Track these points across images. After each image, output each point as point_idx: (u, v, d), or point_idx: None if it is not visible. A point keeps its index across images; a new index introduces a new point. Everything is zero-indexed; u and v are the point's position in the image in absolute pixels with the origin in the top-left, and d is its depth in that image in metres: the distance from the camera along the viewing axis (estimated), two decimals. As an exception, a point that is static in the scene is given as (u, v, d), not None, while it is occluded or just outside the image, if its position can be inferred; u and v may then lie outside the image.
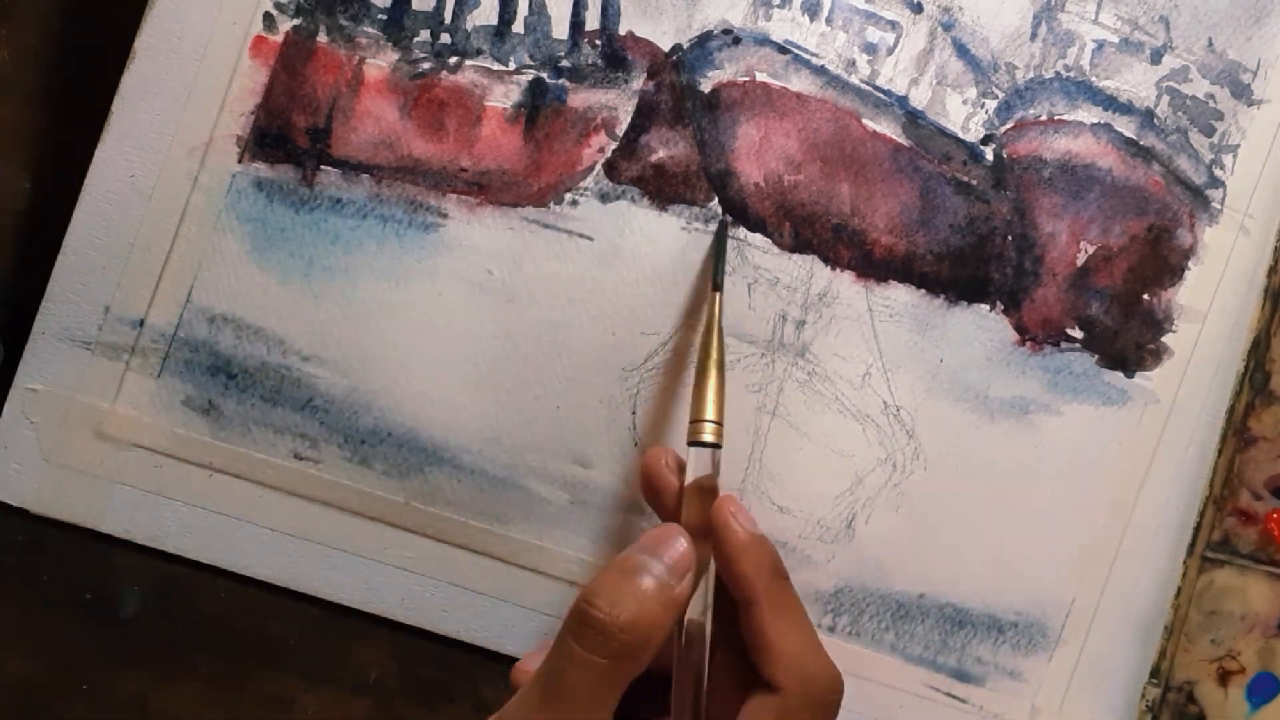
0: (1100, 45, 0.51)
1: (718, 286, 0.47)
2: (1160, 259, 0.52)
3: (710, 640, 0.41)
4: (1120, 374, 0.52)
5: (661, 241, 0.49)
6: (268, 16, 0.46)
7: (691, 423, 0.44)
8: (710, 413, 0.44)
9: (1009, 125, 0.50)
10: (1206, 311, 0.52)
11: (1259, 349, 0.52)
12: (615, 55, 0.48)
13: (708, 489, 0.43)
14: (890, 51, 0.50)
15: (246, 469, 0.47)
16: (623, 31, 0.48)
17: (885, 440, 0.50)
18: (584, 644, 0.38)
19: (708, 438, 0.44)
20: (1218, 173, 0.52)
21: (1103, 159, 0.51)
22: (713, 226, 0.49)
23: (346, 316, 0.47)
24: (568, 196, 0.48)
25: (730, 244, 0.49)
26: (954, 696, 0.52)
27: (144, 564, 0.47)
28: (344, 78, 0.47)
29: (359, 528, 0.48)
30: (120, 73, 0.46)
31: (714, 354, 0.45)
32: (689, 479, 0.43)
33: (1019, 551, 0.51)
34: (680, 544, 0.41)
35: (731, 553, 0.41)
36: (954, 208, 0.50)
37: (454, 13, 0.47)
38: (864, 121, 0.50)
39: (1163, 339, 0.52)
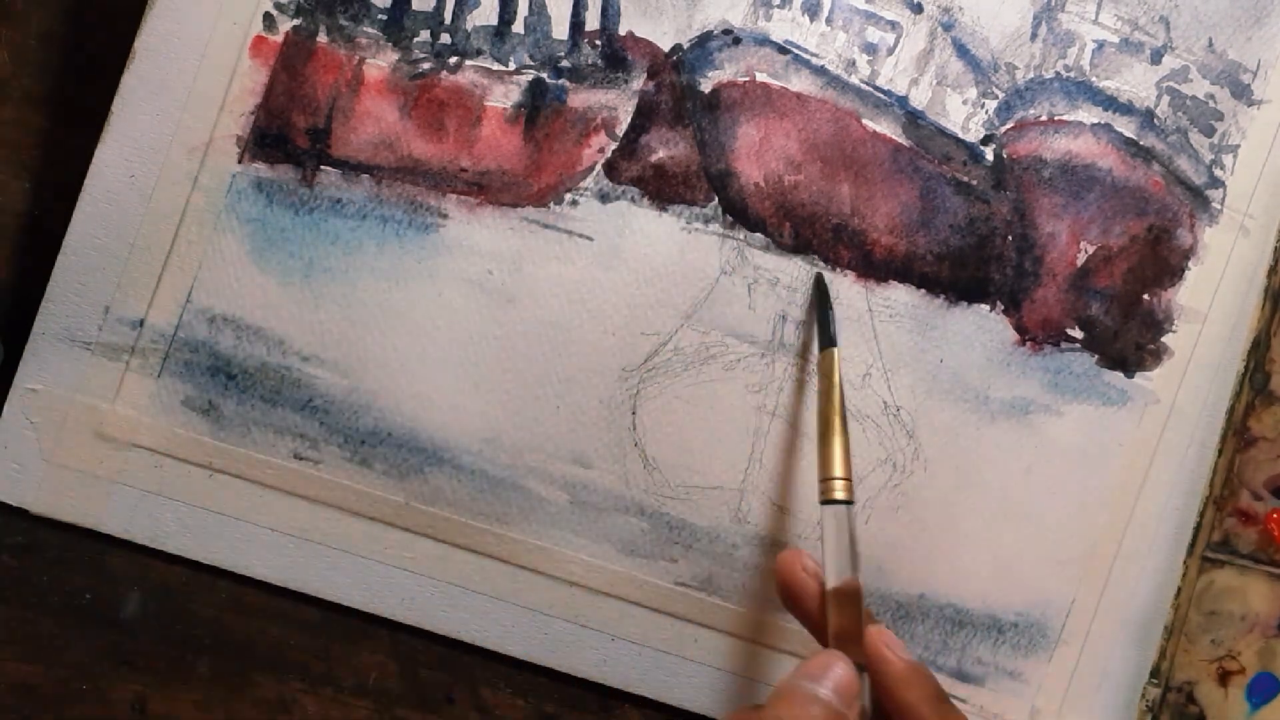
0: (1100, 45, 0.51)
1: (831, 343, 0.47)
2: (1160, 259, 0.52)
3: None
4: (1120, 374, 0.52)
5: (661, 241, 0.49)
6: (268, 16, 0.46)
7: (821, 481, 0.45)
8: (839, 469, 0.45)
9: (1009, 125, 0.50)
10: (1206, 312, 0.52)
11: (1259, 349, 0.52)
12: (615, 55, 0.48)
13: (850, 592, 0.44)
14: (890, 51, 0.50)
15: (246, 469, 0.47)
16: (623, 31, 0.48)
17: (885, 440, 0.50)
18: None
19: (839, 495, 0.45)
20: (1218, 173, 0.52)
21: (1103, 159, 0.51)
22: (713, 227, 0.49)
23: (346, 317, 0.47)
24: (568, 197, 0.48)
25: (730, 244, 0.49)
26: (954, 697, 0.52)
27: (144, 565, 0.47)
28: (344, 78, 0.47)
29: (359, 528, 0.48)
30: (120, 73, 0.46)
31: (838, 411, 0.46)
32: (826, 541, 0.44)
33: (1019, 552, 0.51)
34: (844, 670, 0.41)
35: (892, 683, 0.42)
36: (954, 208, 0.50)
37: (454, 13, 0.47)
38: (864, 122, 0.50)
39: (1163, 339, 0.52)
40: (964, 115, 0.50)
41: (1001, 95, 0.50)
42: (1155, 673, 0.52)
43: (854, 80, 0.49)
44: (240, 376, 0.47)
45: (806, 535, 0.50)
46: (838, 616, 0.43)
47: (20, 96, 0.47)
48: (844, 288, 0.50)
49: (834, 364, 0.47)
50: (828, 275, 0.49)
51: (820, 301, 0.49)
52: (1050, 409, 0.51)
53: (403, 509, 0.48)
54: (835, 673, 0.41)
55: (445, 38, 0.47)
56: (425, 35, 0.47)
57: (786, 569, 0.45)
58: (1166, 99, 0.51)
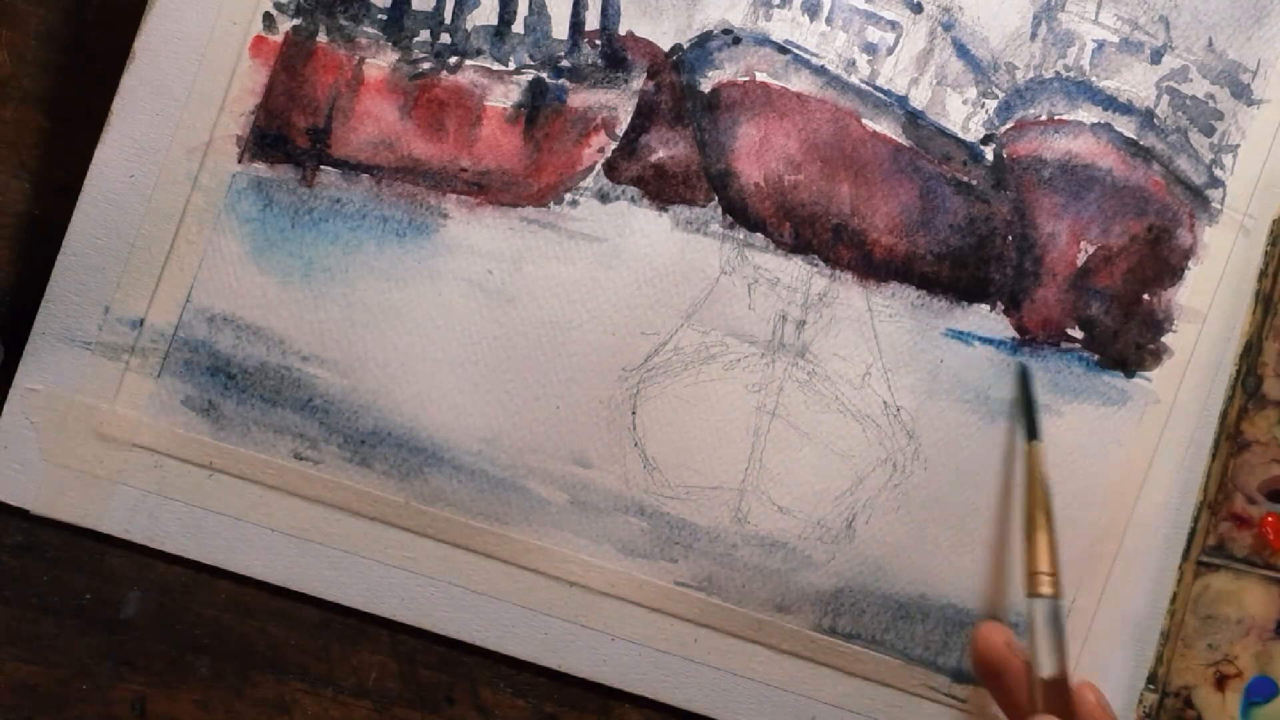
0: (1100, 45, 0.51)
1: (1035, 436, 0.48)
2: (1160, 259, 0.52)
3: None
4: (1120, 374, 0.52)
5: (661, 241, 0.49)
6: (267, 16, 0.46)
7: (1029, 575, 0.46)
8: (1045, 564, 0.46)
9: (1009, 125, 0.50)
10: (1206, 312, 0.52)
11: (1251, 353, 0.52)
12: (615, 55, 0.48)
13: (1061, 683, 0.44)
14: (890, 51, 0.50)
15: (246, 469, 0.47)
16: (623, 31, 0.48)
17: (885, 440, 0.50)
18: None
19: (1045, 590, 0.45)
20: (1218, 173, 0.52)
21: (1103, 159, 0.51)
22: (713, 227, 0.49)
23: (346, 317, 0.47)
24: (568, 196, 0.48)
25: (730, 244, 0.49)
26: (954, 697, 0.52)
27: (144, 565, 0.47)
28: (344, 78, 0.47)
29: (359, 528, 0.48)
30: (120, 73, 0.46)
31: (1042, 505, 0.47)
32: (1036, 632, 0.45)
33: (1020, 552, 0.51)
34: None
35: None
36: (954, 208, 0.50)
37: (454, 13, 0.47)
38: (864, 121, 0.50)
39: (1163, 339, 0.52)
40: (964, 115, 0.50)
41: (1001, 95, 0.50)
42: (1152, 678, 0.52)
43: (854, 80, 0.49)
44: (240, 376, 0.47)
45: (807, 535, 0.50)
46: (1049, 706, 0.43)
47: (20, 96, 0.47)
48: (844, 288, 0.50)
49: (1039, 459, 0.48)
50: (827, 274, 0.49)
51: (1025, 394, 0.50)
52: (1050, 409, 0.51)
53: (403, 509, 0.48)
54: None
55: (445, 38, 0.47)
56: (425, 35, 0.47)
57: (988, 644, 0.45)
58: (1166, 99, 0.51)
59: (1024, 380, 0.50)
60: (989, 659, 0.45)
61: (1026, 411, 0.49)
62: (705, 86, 0.49)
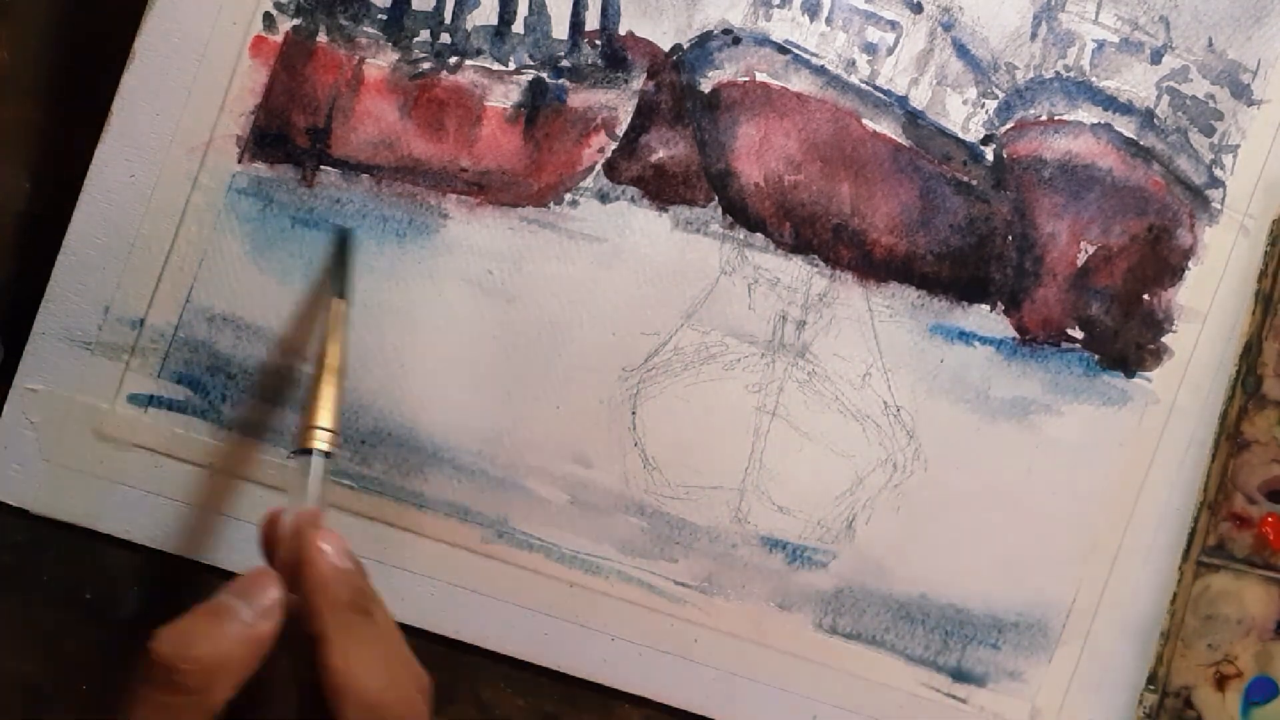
0: (1100, 45, 0.51)
1: (340, 294, 0.46)
2: (1160, 259, 0.52)
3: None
4: (1120, 374, 0.52)
5: (661, 241, 0.49)
6: (268, 16, 0.46)
7: (305, 429, 0.42)
8: (327, 420, 0.43)
9: (1009, 125, 0.50)
10: (1206, 312, 0.52)
11: (1251, 353, 0.52)
12: (615, 55, 0.48)
13: (311, 517, 0.41)
14: (890, 51, 0.50)
15: (246, 469, 0.47)
16: (623, 31, 0.48)
17: (885, 440, 0.50)
18: (154, 686, 0.36)
19: (321, 445, 0.42)
20: (1218, 173, 0.52)
21: (1103, 159, 0.51)
22: (713, 227, 0.49)
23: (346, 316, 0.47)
24: (568, 196, 0.48)
25: (730, 244, 0.49)
26: (954, 697, 0.52)
27: (144, 564, 0.47)
28: (344, 78, 0.47)
29: (359, 528, 0.48)
30: (120, 73, 0.46)
31: (335, 363, 0.44)
32: (297, 485, 0.42)
33: (1020, 552, 0.51)
34: (266, 585, 0.39)
35: (310, 585, 0.39)
36: (954, 208, 0.50)
37: (454, 13, 0.47)
38: (864, 121, 0.50)
39: (1163, 339, 0.52)
40: (964, 115, 0.50)
41: (1001, 95, 0.50)
42: (1152, 678, 0.52)
43: (854, 80, 0.49)
44: (240, 376, 0.47)
45: (807, 535, 0.50)
46: (292, 541, 0.40)
47: (20, 95, 0.47)
48: (844, 288, 0.50)
49: (340, 316, 0.45)
50: (828, 274, 0.49)
51: (340, 254, 0.47)
52: (1050, 409, 0.51)
53: (404, 509, 0.48)
54: (258, 586, 0.39)
55: (445, 37, 0.47)
56: (425, 35, 0.47)
57: (267, 521, 0.42)
58: (1166, 99, 0.51)
59: (343, 241, 0.47)
60: (265, 532, 0.42)
61: (335, 269, 0.46)
62: (705, 86, 0.49)
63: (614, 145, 0.48)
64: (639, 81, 0.48)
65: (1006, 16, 0.50)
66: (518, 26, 0.48)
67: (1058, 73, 0.51)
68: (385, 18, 0.47)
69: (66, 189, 0.46)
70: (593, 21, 0.48)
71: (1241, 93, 0.52)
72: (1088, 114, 0.51)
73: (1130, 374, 0.52)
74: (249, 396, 0.47)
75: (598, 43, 0.48)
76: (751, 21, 0.49)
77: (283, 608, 0.39)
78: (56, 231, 0.46)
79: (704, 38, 0.48)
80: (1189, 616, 0.52)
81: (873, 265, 0.50)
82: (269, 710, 0.40)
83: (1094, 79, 0.51)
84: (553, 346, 0.48)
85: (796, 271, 0.49)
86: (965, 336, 0.51)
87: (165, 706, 0.37)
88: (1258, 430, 0.51)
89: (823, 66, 0.49)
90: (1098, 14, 0.51)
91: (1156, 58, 0.51)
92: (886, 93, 0.50)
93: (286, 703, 0.40)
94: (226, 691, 0.37)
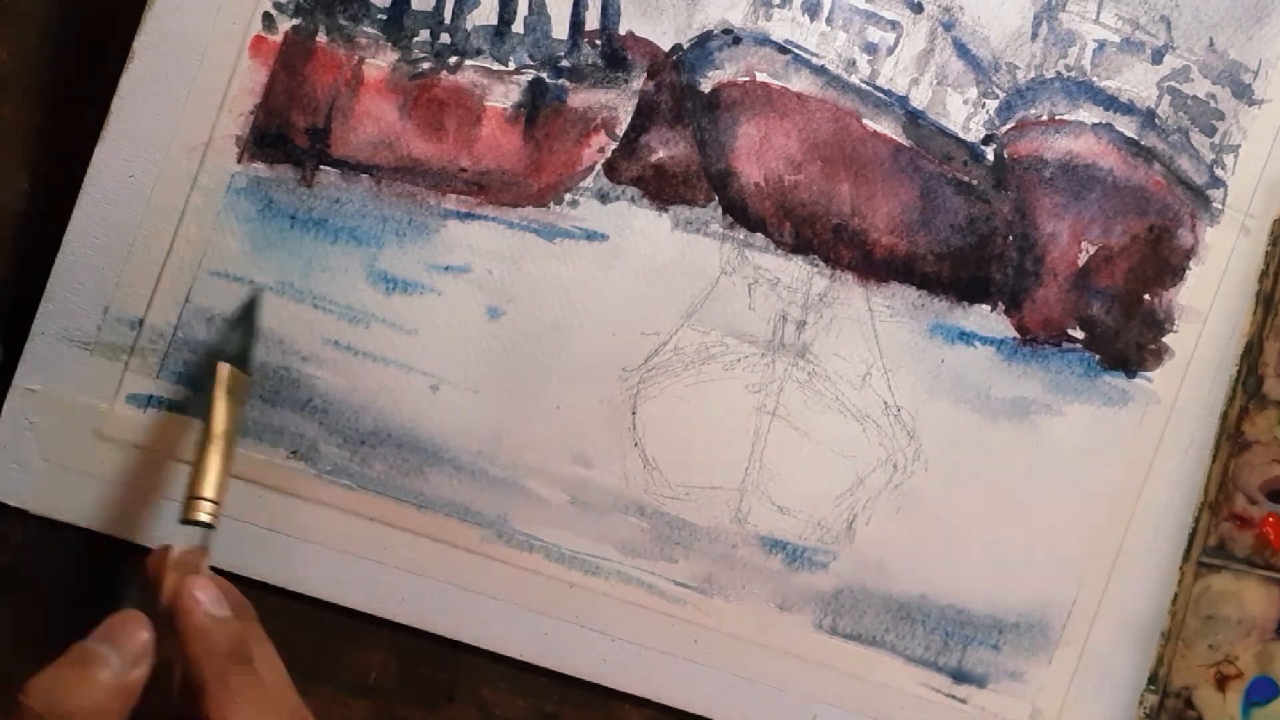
0: (1101, 45, 0.51)
1: (226, 358, 0.45)
2: (1161, 259, 0.52)
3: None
4: (1121, 374, 0.52)
5: (661, 241, 0.49)
6: (267, 16, 0.46)
7: (189, 500, 0.42)
8: (210, 490, 0.42)
9: (1010, 125, 0.50)
10: (1207, 312, 0.52)
11: (1252, 353, 0.51)
12: (615, 55, 0.48)
13: (192, 555, 0.42)
14: (890, 51, 0.49)
15: (246, 469, 0.47)
16: (623, 31, 0.48)
17: (886, 441, 0.50)
18: None
19: (203, 517, 0.42)
20: (1219, 173, 0.52)
21: (1104, 159, 0.51)
22: (713, 227, 0.49)
23: (347, 317, 0.47)
24: (568, 196, 0.48)
25: (730, 244, 0.49)
26: (954, 697, 0.52)
27: (143, 564, 0.47)
28: (343, 78, 0.47)
29: (359, 528, 0.48)
30: (120, 73, 0.46)
31: (222, 431, 0.44)
32: (176, 555, 0.42)
33: (1020, 552, 0.51)
34: (136, 629, 0.39)
35: (185, 637, 0.39)
36: (955, 208, 0.50)
37: (454, 13, 0.47)
38: (864, 121, 0.49)
39: (1164, 339, 0.52)
40: (964, 115, 0.50)
41: (1002, 95, 0.50)
42: (1153, 679, 0.52)
43: (854, 80, 0.49)
44: (240, 376, 0.47)
45: (807, 536, 0.50)
46: (171, 578, 0.41)
47: (20, 95, 0.47)
48: (844, 288, 0.50)
49: (219, 377, 0.45)
50: (828, 274, 0.49)
51: (247, 319, 0.46)
52: (1051, 409, 0.51)
53: (403, 509, 0.48)
54: (127, 632, 0.39)
55: (445, 37, 0.47)
56: (425, 35, 0.47)
57: (154, 557, 0.42)
58: (1167, 99, 0.51)
59: (251, 304, 0.46)
60: (151, 567, 0.42)
61: (240, 334, 0.46)
62: (705, 86, 0.48)
63: (614, 145, 0.48)
64: (639, 81, 0.48)
65: (1007, 16, 0.50)
66: (518, 26, 0.47)
67: (1059, 72, 0.51)
68: (385, 18, 0.47)
69: (66, 189, 0.46)
70: (593, 21, 0.48)
71: (1243, 92, 0.52)
72: (1089, 114, 0.51)
73: (1131, 374, 0.52)
74: (249, 396, 0.47)
75: (598, 43, 0.48)
76: (751, 21, 0.49)
77: (153, 652, 0.38)
78: (56, 231, 0.46)
79: (704, 38, 0.48)
80: (1190, 617, 0.52)
81: (873, 265, 0.50)
82: None
83: (1095, 79, 0.51)
84: (553, 346, 0.48)
85: (796, 271, 0.49)
86: (966, 336, 0.51)
87: None
88: (1258, 430, 0.51)
89: (823, 66, 0.49)
90: (1098, 14, 0.51)
91: (1157, 57, 0.51)
92: (887, 93, 0.50)
93: None
94: None
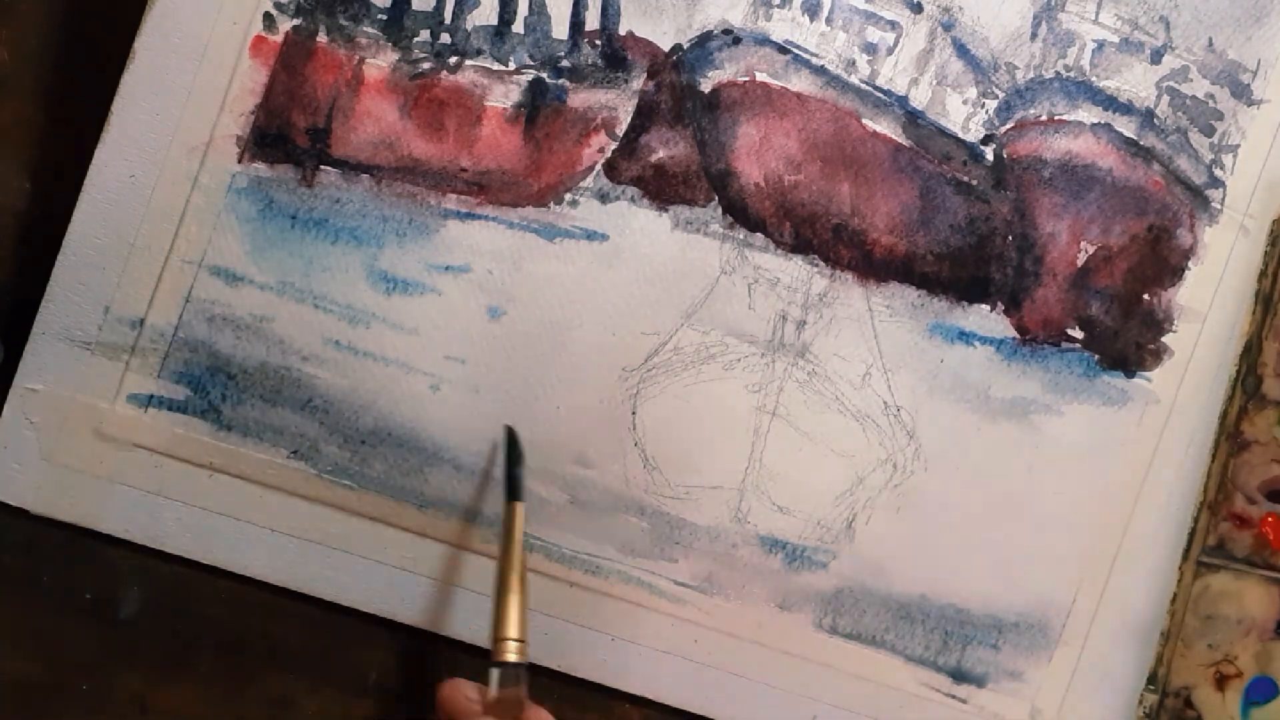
0: (1100, 45, 0.51)
1: (516, 497, 0.46)
2: (1160, 259, 0.52)
3: None
4: (1120, 374, 0.52)
5: (661, 241, 0.49)
6: (268, 16, 0.46)
7: (496, 641, 0.43)
8: (514, 630, 0.43)
9: (1009, 125, 0.50)
10: (1206, 312, 0.52)
11: (1250, 353, 0.52)
12: (615, 55, 0.48)
13: (513, 702, 0.43)
14: (890, 51, 0.50)
15: (246, 469, 0.47)
16: (623, 31, 0.48)
17: (886, 440, 0.50)
18: None
19: (511, 657, 0.43)
20: (1218, 173, 0.52)
21: (1103, 159, 0.51)
22: (713, 227, 0.49)
23: (347, 317, 0.47)
24: (568, 196, 0.48)
25: (730, 244, 0.49)
26: (954, 697, 0.52)
27: (144, 564, 0.47)
28: (344, 78, 0.47)
29: (359, 528, 0.48)
30: (120, 73, 0.46)
31: (516, 569, 0.44)
32: (492, 695, 0.43)
33: (1020, 552, 0.51)
34: None
35: None
36: (954, 208, 0.50)
37: (454, 13, 0.47)
38: (864, 121, 0.50)
39: (1163, 339, 0.52)
40: (964, 115, 0.50)
41: (1001, 95, 0.50)
42: (1152, 678, 0.52)
43: (854, 80, 0.49)
44: (240, 376, 0.47)
45: (807, 535, 0.50)
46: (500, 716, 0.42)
47: (21, 95, 0.47)
48: (844, 288, 0.50)
49: (517, 519, 0.46)
50: (828, 273, 0.49)
51: (510, 453, 0.47)
52: (1050, 409, 0.51)
53: (402, 508, 0.48)
54: None
55: (445, 37, 0.47)
56: (425, 35, 0.47)
57: (452, 700, 0.43)
58: (1166, 99, 0.51)
59: (510, 442, 0.47)
60: (449, 708, 0.43)
61: (510, 470, 0.47)
62: (705, 86, 0.49)
63: (614, 145, 0.48)
64: (639, 81, 0.48)
65: (1006, 16, 0.50)
66: (518, 26, 0.48)
67: (1058, 73, 0.51)
68: (385, 18, 0.47)
69: (66, 189, 0.46)
70: (593, 21, 0.48)
71: (1241, 93, 0.52)
72: (1088, 114, 0.51)
73: (1130, 374, 0.52)
74: (249, 396, 0.47)
75: (598, 43, 0.48)
76: (751, 21, 0.49)
77: None
78: (56, 231, 0.46)
79: (704, 38, 0.48)
80: (1189, 616, 0.52)
81: (873, 265, 0.50)
82: None
83: (1094, 79, 0.51)
84: (553, 346, 0.48)
85: (796, 271, 0.49)
86: (965, 336, 0.51)
87: None
88: (1258, 430, 0.51)
89: (823, 66, 0.49)
90: (1098, 14, 0.51)
91: (1156, 58, 0.51)
92: (886, 93, 0.50)
93: None
94: None
